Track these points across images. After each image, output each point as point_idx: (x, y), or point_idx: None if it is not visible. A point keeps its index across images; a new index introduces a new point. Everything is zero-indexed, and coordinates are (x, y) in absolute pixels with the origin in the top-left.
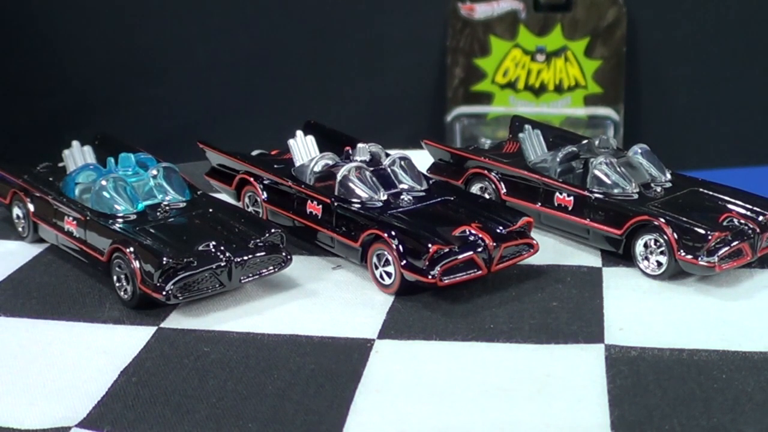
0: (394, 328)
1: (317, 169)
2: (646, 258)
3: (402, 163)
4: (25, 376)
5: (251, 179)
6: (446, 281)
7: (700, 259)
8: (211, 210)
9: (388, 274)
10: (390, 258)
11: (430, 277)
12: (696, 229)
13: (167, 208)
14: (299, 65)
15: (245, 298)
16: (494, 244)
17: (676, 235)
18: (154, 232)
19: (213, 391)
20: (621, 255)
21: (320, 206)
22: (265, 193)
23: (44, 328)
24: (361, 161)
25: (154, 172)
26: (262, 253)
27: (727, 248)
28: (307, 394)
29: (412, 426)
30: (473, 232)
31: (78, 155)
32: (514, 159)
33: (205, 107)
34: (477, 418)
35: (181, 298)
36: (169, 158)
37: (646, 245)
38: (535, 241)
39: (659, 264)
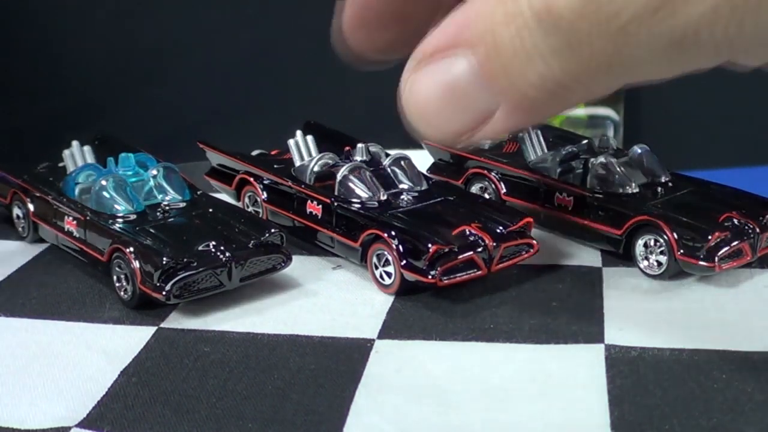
0: (394, 328)
1: (317, 169)
2: (646, 258)
3: (402, 163)
4: (25, 376)
5: (251, 179)
6: (446, 281)
7: (700, 259)
8: (211, 210)
9: (388, 274)
10: (390, 258)
11: (430, 277)
12: (696, 229)
13: (167, 208)
14: (299, 66)
15: (245, 298)
16: (494, 244)
17: (676, 235)
18: (154, 232)
19: (213, 391)
20: (621, 255)
21: (320, 206)
22: (265, 193)
23: (44, 328)
24: (361, 161)
25: (154, 172)
26: (262, 253)
27: (727, 248)
28: (307, 394)
29: (412, 426)
30: (473, 232)
31: (78, 155)
32: (514, 159)
33: (205, 107)
34: (477, 418)
35: (181, 298)
36: (169, 158)
37: (646, 245)
38: (535, 241)
39: (659, 264)
